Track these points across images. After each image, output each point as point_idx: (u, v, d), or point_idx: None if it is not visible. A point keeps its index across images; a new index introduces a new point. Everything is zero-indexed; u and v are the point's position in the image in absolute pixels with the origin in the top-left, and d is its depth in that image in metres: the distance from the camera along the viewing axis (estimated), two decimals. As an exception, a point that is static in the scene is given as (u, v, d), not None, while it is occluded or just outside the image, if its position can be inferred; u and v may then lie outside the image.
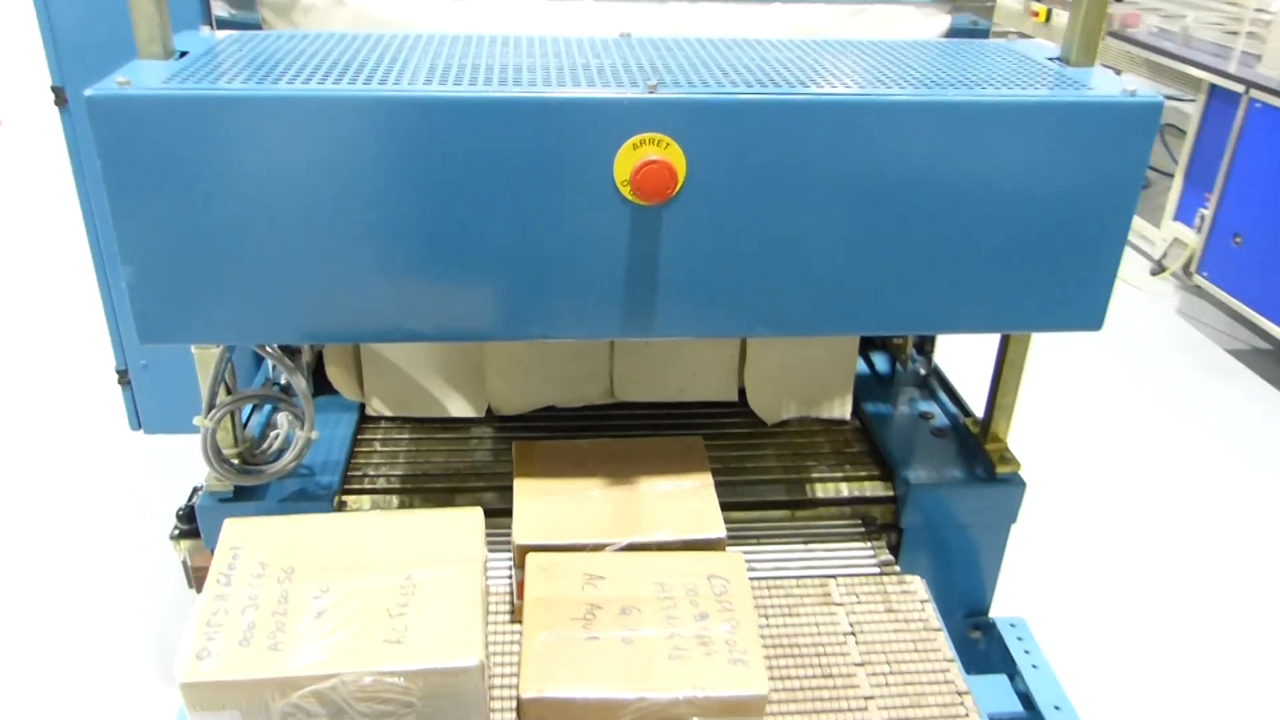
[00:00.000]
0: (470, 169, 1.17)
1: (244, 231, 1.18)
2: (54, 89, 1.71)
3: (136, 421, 2.02)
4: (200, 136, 1.12)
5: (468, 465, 1.64)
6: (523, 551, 1.31)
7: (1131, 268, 4.59)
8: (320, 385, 1.75)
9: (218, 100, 1.11)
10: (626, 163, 1.17)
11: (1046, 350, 3.70)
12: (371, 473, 1.61)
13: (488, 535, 1.23)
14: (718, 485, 1.57)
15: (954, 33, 1.59)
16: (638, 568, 1.29)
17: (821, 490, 1.63)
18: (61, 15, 1.64)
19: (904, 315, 1.32)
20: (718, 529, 1.35)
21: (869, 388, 1.86)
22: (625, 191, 1.18)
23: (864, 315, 1.32)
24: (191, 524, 1.54)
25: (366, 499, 1.56)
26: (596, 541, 1.33)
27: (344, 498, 1.55)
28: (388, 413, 1.73)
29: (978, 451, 1.65)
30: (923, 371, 1.86)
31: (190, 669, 0.97)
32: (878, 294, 1.29)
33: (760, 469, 1.67)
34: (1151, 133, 1.24)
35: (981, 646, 1.68)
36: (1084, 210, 1.27)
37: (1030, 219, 1.27)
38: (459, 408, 1.72)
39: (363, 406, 1.74)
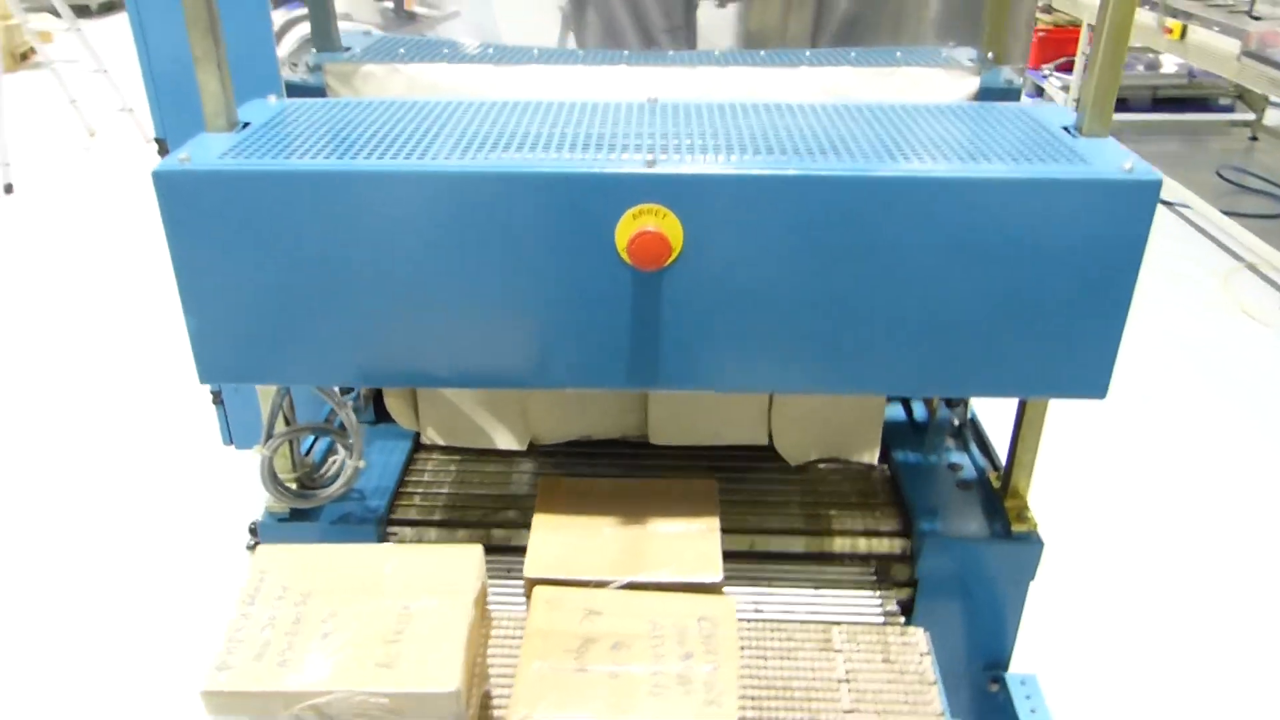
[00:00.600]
0: (489, 234, 1.28)
1: (293, 291, 1.32)
2: (156, 140, 1.92)
3: (229, 437, 2.23)
4: (250, 207, 1.28)
5: (506, 496, 1.76)
6: (531, 584, 1.42)
7: (1261, 302, 4.41)
8: (380, 414, 1.90)
9: (264, 175, 1.26)
10: (626, 231, 1.27)
11: (1164, 393, 3.61)
12: (419, 500, 1.75)
13: (513, 566, 1.34)
14: (736, 526, 1.65)
15: (984, 94, 1.62)
16: (635, 606, 1.38)
17: (839, 535, 1.68)
18: (163, 71, 1.84)
19: (900, 378, 1.37)
20: (715, 573, 1.43)
21: (902, 434, 1.89)
22: (626, 257, 1.28)
23: (863, 377, 1.37)
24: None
25: (409, 526, 1.70)
26: (600, 578, 1.42)
27: (390, 524, 1.69)
28: (440, 442, 1.87)
29: (999, 507, 1.67)
30: (956, 421, 1.88)
31: (210, 679, 1.12)
32: (874, 358, 1.34)
33: (780, 511, 1.73)
34: (1149, 210, 1.26)
35: (1001, 699, 1.69)
36: (1083, 284, 1.29)
37: (1029, 290, 1.30)
38: (504, 440, 1.84)
39: (418, 435, 1.88)
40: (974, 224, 1.26)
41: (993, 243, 1.27)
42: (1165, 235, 5.29)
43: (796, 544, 1.68)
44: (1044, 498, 2.85)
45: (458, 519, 1.70)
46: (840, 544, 1.68)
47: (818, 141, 1.35)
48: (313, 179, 1.25)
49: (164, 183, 1.27)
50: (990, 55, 1.64)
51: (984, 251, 1.27)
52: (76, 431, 3.27)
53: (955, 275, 1.29)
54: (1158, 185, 1.25)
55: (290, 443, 1.61)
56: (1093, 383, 1.37)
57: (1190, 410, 3.54)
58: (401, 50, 1.67)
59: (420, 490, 1.77)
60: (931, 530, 1.63)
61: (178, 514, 2.84)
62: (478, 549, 1.28)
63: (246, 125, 1.42)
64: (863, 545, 1.67)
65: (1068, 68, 6.47)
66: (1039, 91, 7.16)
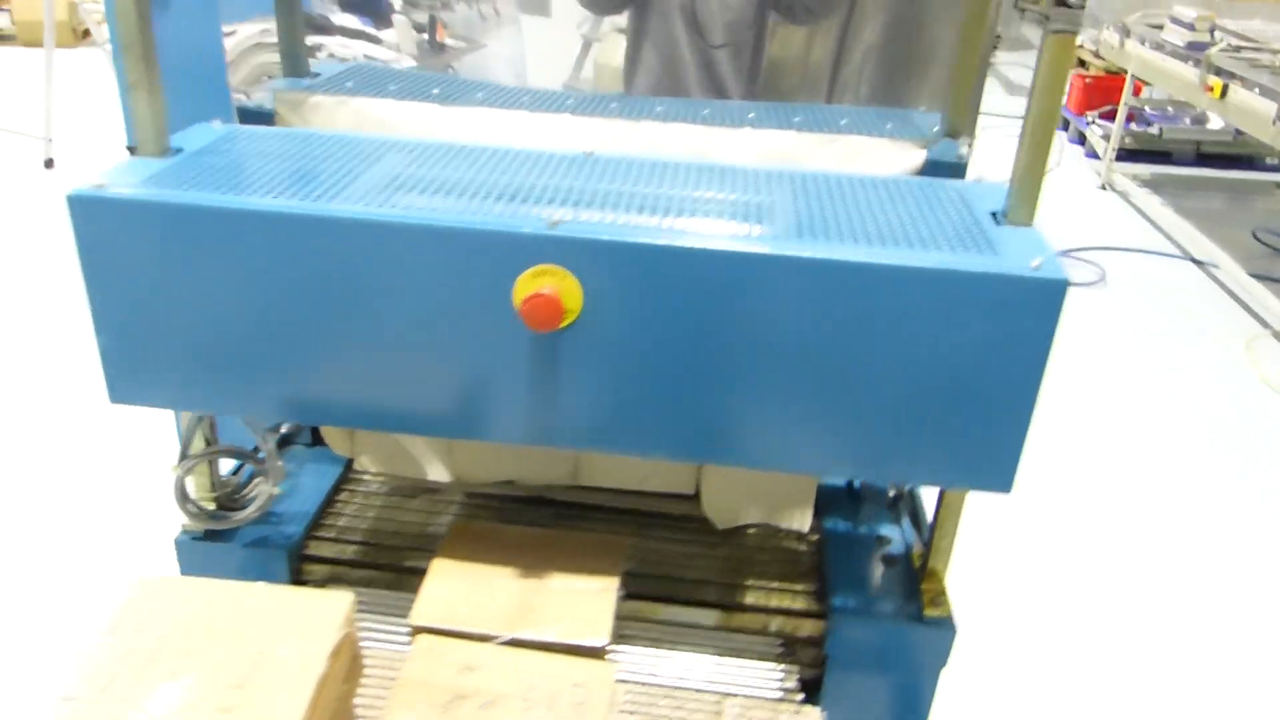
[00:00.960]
0: (384, 280, 1.28)
1: (196, 321, 1.33)
2: (129, 148, 1.94)
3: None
4: (155, 236, 1.29)
5: (426, 535, 1.75)
6: (417, 632, 1.41)
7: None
8: (317, 436, 1.91)
9: (168, 206, 1.27)
10: (524, 289, 1.26)
11: (1171, 458, 3.52)
12: (339, 529, 1.75)
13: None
14: (649, 585, 1.63)
15: (930, 167, 1.59)
16: (513, 664, 1.37)
17: (751, 603, 1.65)
18: (174, 57, 1.85)
19: (796, 457, 1.35)
20: (600, 637, 1.41)
21: (838, 501, 1.86)
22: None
23: (758, 453, 1.35)
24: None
25: (327, 547, 1.70)
26: (486, 632, 1.41)
27: (305, 551, 1.69)
28: (373, 469, 1.87)
29: (919, 588, 1.63)
30: (892, 492, 1.84)
31: (55, 708, 1.12)
32: (771, 434, 1.32)
33: (698, 573, 1.70)
34: (1055, 310, 1.22)
35: (907, 784, 1.65)
36: (985, 378, 1.26)
37: (928, 379, 1.27)
38: (436, 472, 1.84)
39: (351, 461, 1.88)
40: (871, 309, 1.23)
41: (891, 330, 1.24)
42: (1192, 294, 5.17)
43: (710, 609, 1.65)
44: (1032, 562, 2.80)
45: (372, 554, 1.70)
46: (753, 613, 1.65)
47: (735, 210, 1.33)
48: (212, 215, 1.26)
49: (76, 206, 1.29)
50: (936, 129, 1.61)
51: (881, 337, 1.25)
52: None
53: (852, 359, 1.26)
54: (1063, 286, 1.21)
55: (210, 463, 1.62)
56: (997, 477, 1.33)
57: (1195, 481, 3.45)
58: (350, 84, 1.67)
59: (344, 519, 1.78)
60: (844, 607, 1.59)
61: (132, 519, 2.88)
62: (348, 597, 1.28)
63: (180, 150, 1.44)
64: (776, 617, 1.64)
65: (1111, 115, 6.35)
66: (1081, 138, 7.04)
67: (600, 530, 1.73)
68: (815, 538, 1.79)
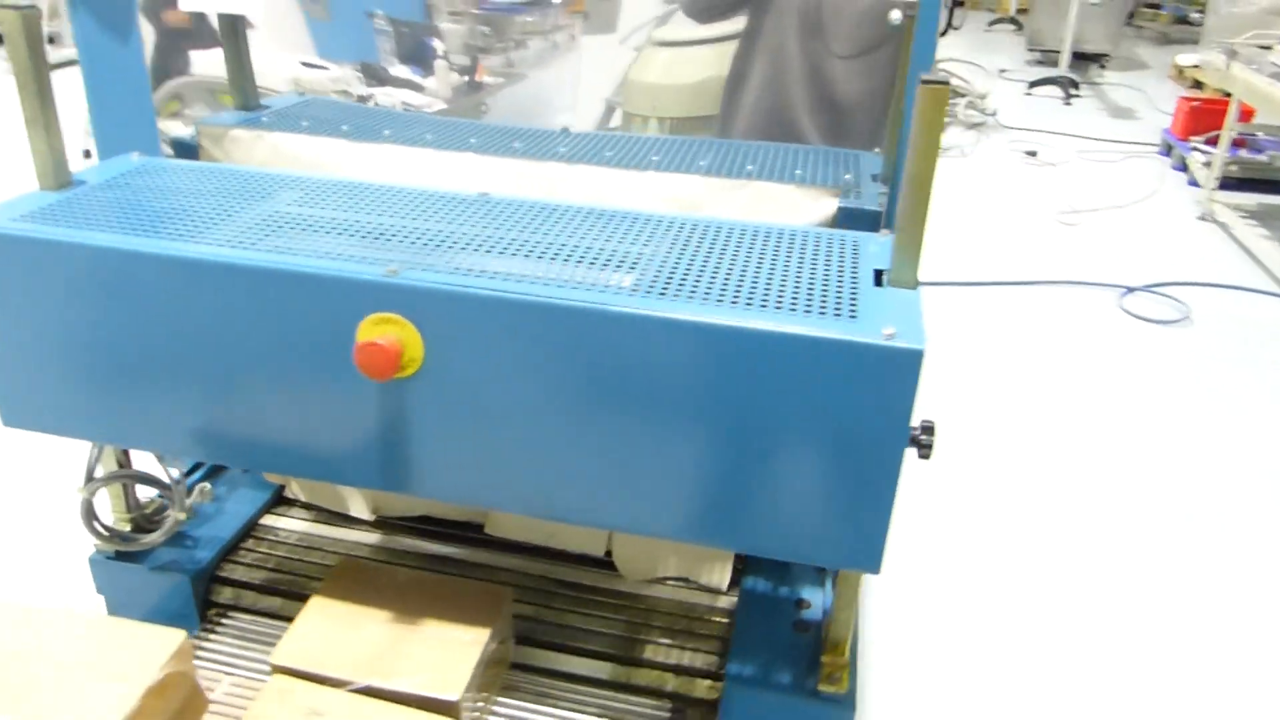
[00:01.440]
0: (232, 322, 1.28)
1: (65, 352, 1.36)
2: (84, 153, 2.02)
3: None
4: (32, 270, 1.32)
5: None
6: (275, 670, 1.41)
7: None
8: (255, 461, 1.93)
9: (33, 241, 1.30)
10: (364, 336, 1.23)
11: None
12: (256, 555, 1.77)
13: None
14: (543, 635, 1.59)
15: (842, 216, 1.50)
16: (359, 713, 1.34)
17: (647, 665, 1.59)
18: (100, 90, 1.91)
19: (650, 521, 1.28)
20: (453, 693, 1.37)
21: (766, 560, 1.77)
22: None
23: (608, 514, 1.29)
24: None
25: (241, 571, 1.72)
26: (341, 677, 1.39)
27: (214, 579, 1.71)
28: (303, 498, 1.88)
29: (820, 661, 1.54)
30: (818, 553, 1.74)
31: None
32: (618, 496, 1.26)
33: (597, 627, 1.65)
34: (910, 380, 1.13)
35: None
36: (844, 450, 1.18)
37: (782, 450, 1.19)
38: (356, 507, 1.84)
39: (283, 488, 1.90)
40: (714, 371, 1.16)
41: (737, 394, 1.17)
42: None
43: (602, 666, 1.59)
44: (1121, 617, 2.57)
45: (285, 582, 1.71)
46: (646, 674, 1.59)
47: (605, 259, 1.28)
48: (69, 251, 1.28)
49: (-42, 236, 1.33)
50: (849, 176, 1.51)
51: (726, 401, 1.17)
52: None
53: (697, 421, 1.19)
54: (917, 356, 1.12)
55: (126, 486, 1.66)
56: (863, 556, 1.24)
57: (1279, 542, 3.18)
58: (264, 119, 1.69)
59: (266, 545, 1.79)
60: (739, 675, 1.52)
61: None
62: (179, 635, 1.28)
63: (82, 183, 1.47)
64: (670, 680, 1.57)
65: (1216, 141, 5.96)
66: (1184, 165, 6.64)
67: (515, 570, 1.70)
68: (733, 596, 1.72)
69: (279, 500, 1.89)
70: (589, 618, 1.66)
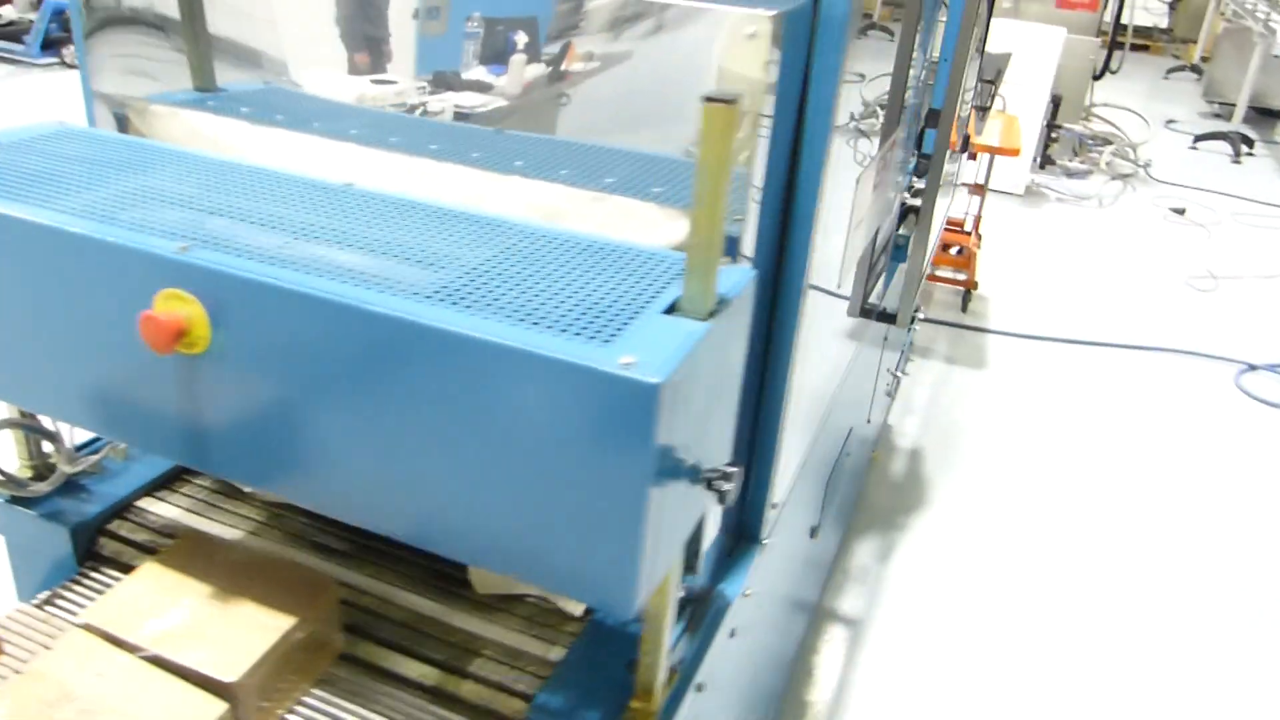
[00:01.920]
0: (53, 284, 1.33)
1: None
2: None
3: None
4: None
5: (225, 534, 1.79)
6: (82, 628, 1.44)
7: None
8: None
9: (-98, 192, 1.39)
10: (156, 309, 1.25)
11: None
12: (150, 515, 1.82)
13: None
14: (381, 633, 1.58)
15: (701, 239, 1.42)
16: (139, 680, 1.36)
17: (477, 672, 1.54)
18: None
19: (415, 528, 1.25)
20: (231, 675, 1.37)
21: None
22: (145, 334, 1.27)
23: (368, 513, 1.27)
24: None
25: (127, 528, 1.78)
26: (135, 643, 1.41)
27: (100, 533, 1.77)
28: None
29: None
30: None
31: None
32: (377, 496, 1.24)
33: (432, 631, 1.61)
34: (646, 413, 1.05)
35: None
36: (588, 482, 1.11)
37: (529, 472, 1.13)
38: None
39: (198, 455, 1.95)
40: (461, 381, 1.12)
41: (486, 406, 1.12)
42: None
43: (433, 668, 1.56)
44: None
45: (155, 544, 1.76)
46: (476, 682, 1.54)
47: (412, 258, 1.27)
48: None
49: None
50: None
51: (476, 413, 1.13)
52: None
53: (453, 431, 1.15)
54: (652, 390, 1.04)
55: (27, 435, 1.75)
56: (617, 597, 1.16)
57: None
58: (210, 101, 1.74)
59: (162, 506, 1.85)
60: (544, 705, 1.45)
61: None
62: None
63: (-8, 144, 1.56)
64: (499, 693, 1.53)
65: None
66: None
67: (380, 565, 1.70)
68: (586, 619, 1.65)
69: (188, 470, 1.95)
70: (434, 622, 1.64)
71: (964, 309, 5.48)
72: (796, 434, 1.86)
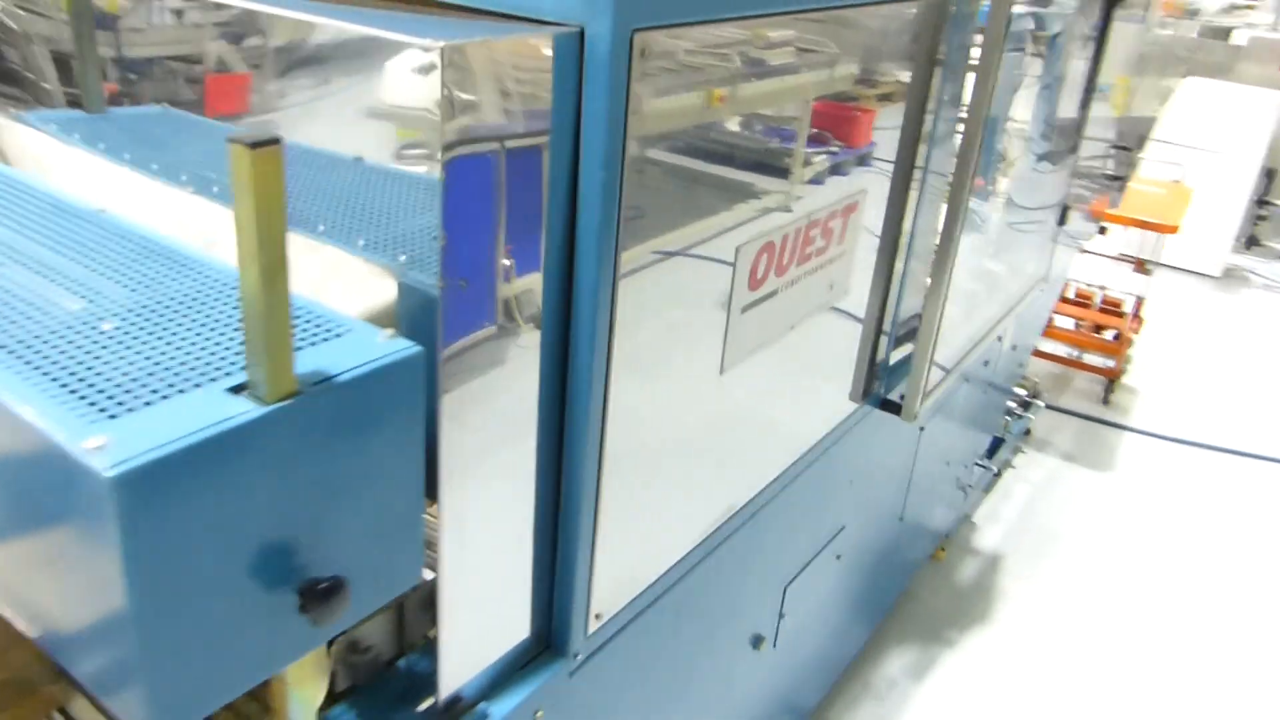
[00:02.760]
0: None
1: None
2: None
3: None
4: None
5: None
6: None
7: None
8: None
9: None
10: None
11: None
12: None
13: None
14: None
15: (404, 296, 1.21)
16: None
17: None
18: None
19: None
20: None
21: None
22: None
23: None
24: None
25: None
26: None
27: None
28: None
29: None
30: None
31: None
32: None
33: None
34: (106, 508, 0.86)
35: None
36: (81, 567, 0.94)
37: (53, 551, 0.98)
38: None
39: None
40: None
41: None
42: None
43: None
44: None
45: None
46: None
47: (85, 289, 1.16)
48: None
49: None
50: (404, 259, 1.20)
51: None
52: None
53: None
54: (106, 483, 0.85)
55: None
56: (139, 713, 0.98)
57: None
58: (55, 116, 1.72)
59: None
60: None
61: None
62: None
63: None
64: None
65: None
66: None
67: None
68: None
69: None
70: None
71: (1105, 401, 4.83)
72: (655, 527, 1.60)
